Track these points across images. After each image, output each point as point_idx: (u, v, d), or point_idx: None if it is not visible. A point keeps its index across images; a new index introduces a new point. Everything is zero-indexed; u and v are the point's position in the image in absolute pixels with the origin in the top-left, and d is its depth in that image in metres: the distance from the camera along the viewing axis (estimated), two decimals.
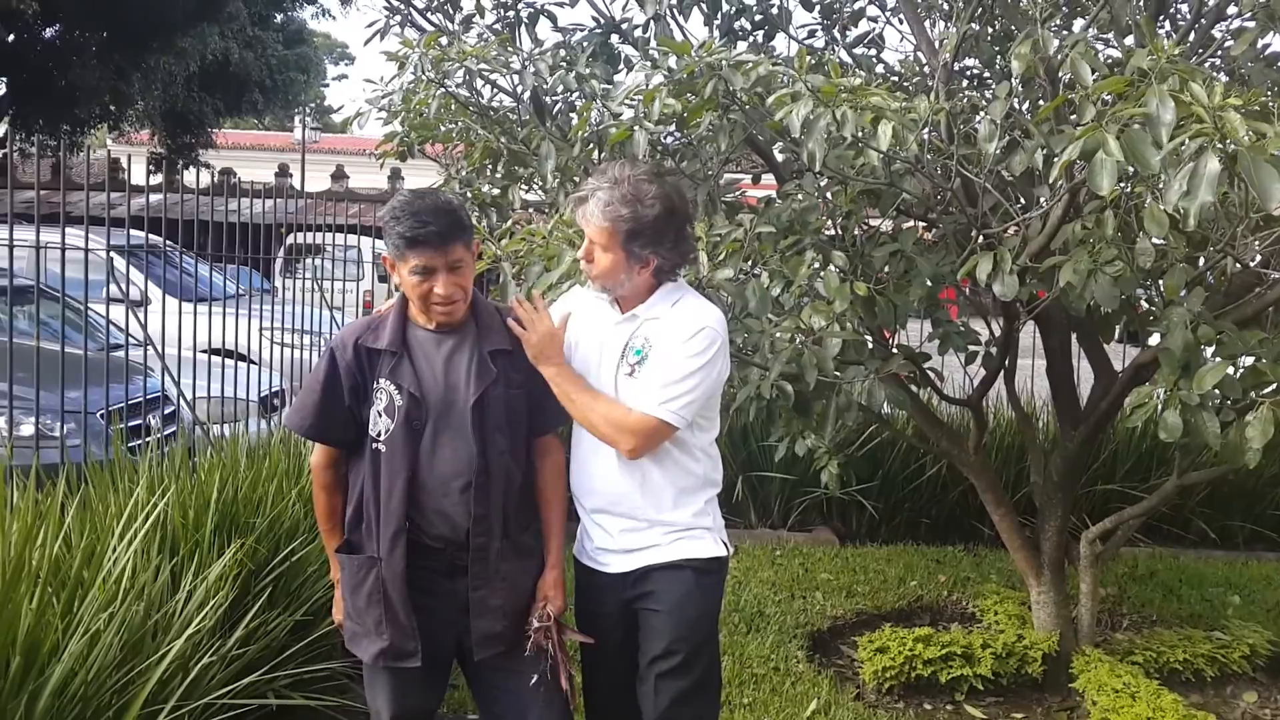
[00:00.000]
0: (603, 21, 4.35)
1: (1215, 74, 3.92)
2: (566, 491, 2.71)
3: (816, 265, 3.41)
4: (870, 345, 3.74)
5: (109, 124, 19.52)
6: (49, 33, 15.66)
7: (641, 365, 2.54)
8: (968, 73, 4.44)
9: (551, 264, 3.39)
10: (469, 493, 2.47)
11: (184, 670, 2.85)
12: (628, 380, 2.55)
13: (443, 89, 3.76)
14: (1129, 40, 3.67)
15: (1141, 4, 3.81)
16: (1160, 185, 2.70)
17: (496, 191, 4.20)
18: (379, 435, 2.48)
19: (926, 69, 4.20)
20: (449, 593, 2.53)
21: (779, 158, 4.10)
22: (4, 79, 15.95)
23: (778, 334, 3.39)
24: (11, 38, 14.67)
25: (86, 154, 5.88)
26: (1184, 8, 4.23)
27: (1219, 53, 3.89)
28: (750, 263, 3.54)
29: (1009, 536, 4.34)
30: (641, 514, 2.59)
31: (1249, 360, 3.08)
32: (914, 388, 4.20)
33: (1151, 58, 2.55)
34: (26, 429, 4.55)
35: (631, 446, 2.50)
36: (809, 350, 3.33)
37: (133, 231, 8.54)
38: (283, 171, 22.86)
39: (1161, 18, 4.12)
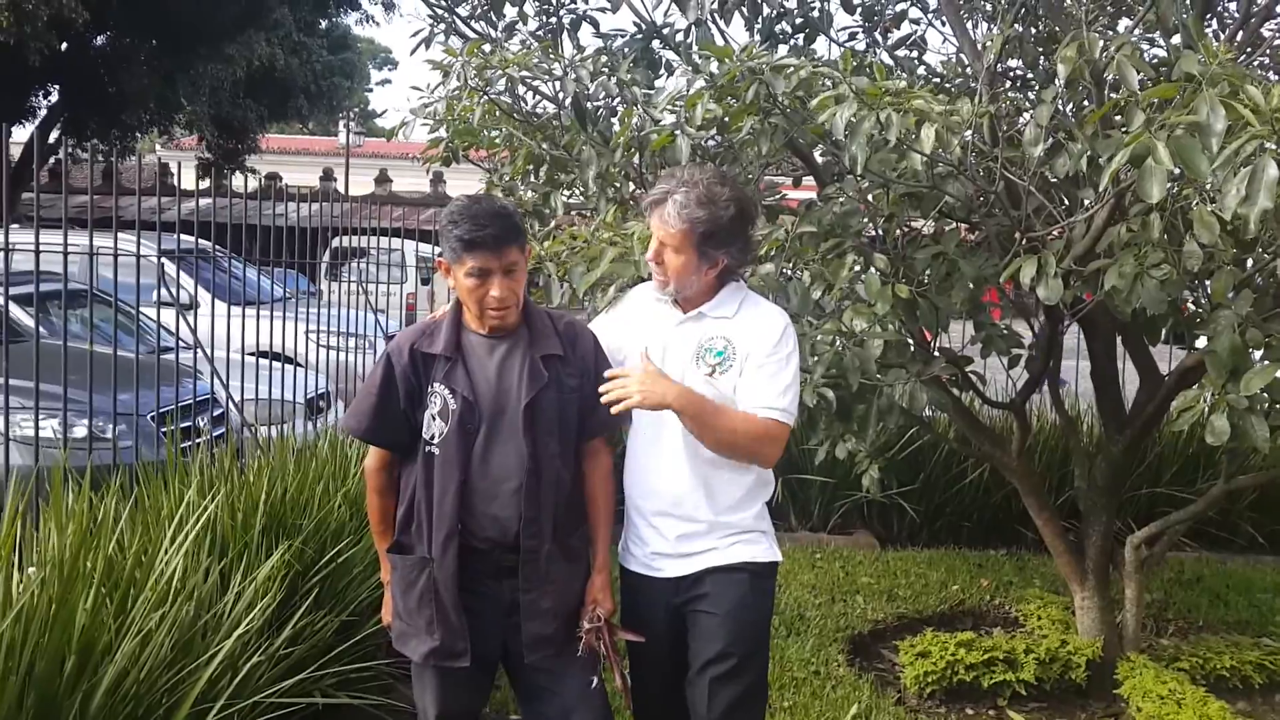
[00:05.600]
0: (644, 27, 4.36)
1: (1265, 74, 3.87)
2: (614, 495, 2.71)
3: (858, 268, 3.40)
4: (912, 348, 3.73)
5: (158, 129, 19.84)
6: (99, 40, 15.95)
7: (724, 367, 2.57)
8: (1011, 75, 4.40)
9: (593, 265, 3.42)
10: (520, 495, 2.50)
11: (233, 669, 2.89)
12: (707, 380, 2.57)
13: (485, 96, 3.80)
14: (1176, 40, 3.62)
15: (1189, 3, 3.76)
16: (1209, 188, 2.67)
17: (538, 198, 4.23)
18: (433, 439, 2.52)
19: (969, 71, 4.18)
20: (495, 594, 2.56)
21: (820, 161, 4.09)
22: (57, 85, 16.28)
23: (819, 337, 3.39)
24: (64, 46, 14.96)
25: (137, 159, 5.99)
26: (1232, 6, 4.18)
27: (1268, 52, 3.84)
28: (790, 264, 3.54)
29: (1053, 541, 4.30)
30: (703, 515, 2.60)
31: None
32: (956, 391, 4.18)
33: (1201, 61, 2.53)
34: (80, 431, 4.64)
35: (773, 454, 2.58)
36: (850, 352, 3.33)
37: (182, 236, 8.70)
38: (327, 176, 23.13)
39: (1209, 17, 4.07)
